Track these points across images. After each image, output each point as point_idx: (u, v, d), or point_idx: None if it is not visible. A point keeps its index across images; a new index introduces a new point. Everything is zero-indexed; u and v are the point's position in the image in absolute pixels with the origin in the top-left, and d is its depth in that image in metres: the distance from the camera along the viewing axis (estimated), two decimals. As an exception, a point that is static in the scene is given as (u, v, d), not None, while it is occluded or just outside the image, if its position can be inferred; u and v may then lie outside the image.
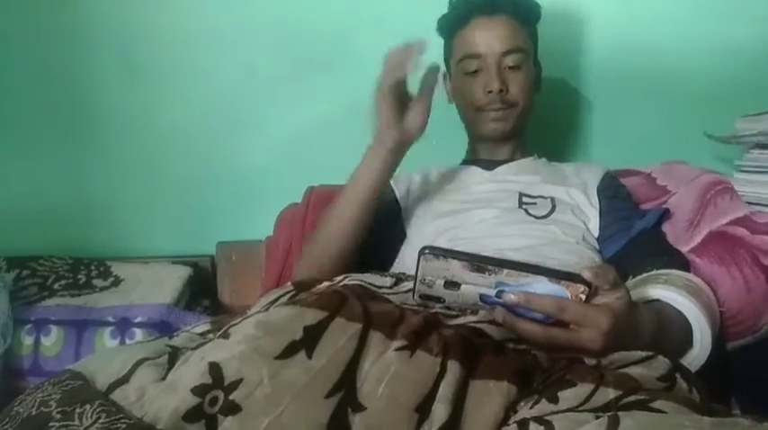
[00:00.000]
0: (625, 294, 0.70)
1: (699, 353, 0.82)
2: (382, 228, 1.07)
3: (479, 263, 0.66)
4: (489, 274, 0.66)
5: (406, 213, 1.13)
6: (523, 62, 1.11)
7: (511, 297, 0.67)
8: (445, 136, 1.26)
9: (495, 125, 1.13)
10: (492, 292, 0.68)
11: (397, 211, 1.13)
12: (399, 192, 1.16)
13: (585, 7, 1.40)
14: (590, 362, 0.67)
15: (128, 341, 1.24)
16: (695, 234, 1.01)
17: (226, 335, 0.62)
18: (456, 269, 0.67)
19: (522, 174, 1.14)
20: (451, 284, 0.69)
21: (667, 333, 0.77)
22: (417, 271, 0.69)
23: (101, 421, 0.54)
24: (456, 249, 0.68)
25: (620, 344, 0.68)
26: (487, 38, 1.09)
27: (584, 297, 0.67)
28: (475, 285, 0.68)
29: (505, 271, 0.66)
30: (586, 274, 0.67)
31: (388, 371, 0.59)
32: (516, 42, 1.10)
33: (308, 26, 1.42)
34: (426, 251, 0.67)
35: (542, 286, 0.67)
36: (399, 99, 0.93)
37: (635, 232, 1.01)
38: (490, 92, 1.09)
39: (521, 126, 1.16)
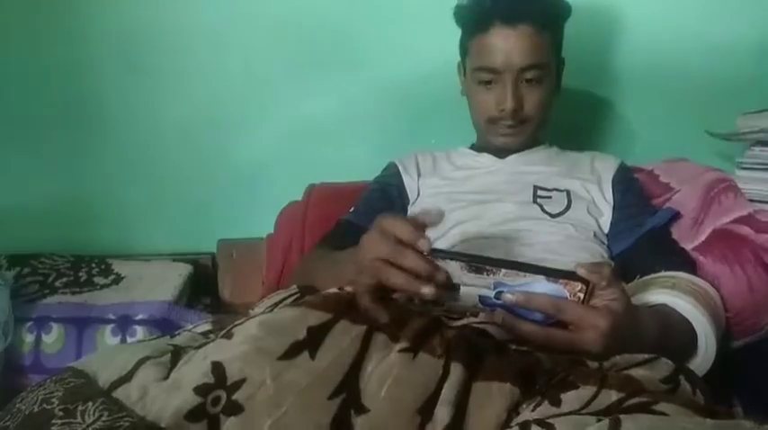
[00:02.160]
0: (623, 296, 0.69)
1: (702, 361, 0.82)
2: (381, 213, 1.08)
3: (477, 263, 0.66)
4: (487, 275, 0.66)
5: (416, 197, 1.13)
6: (543, 76, 1.05)
7: (509, 297, 0.66)
8: (445, 135, 1.26)
9: (505, 140, 1.10)
10: (491, 293, 0.68)
11: (401, 197, 1.14)
12: (408, 179, 1.15)
13: (588, 4, 1.39)
14: (592, 364, 0.67)
15: (129, 339, 1.24)
16: (699, 232, 1.01)
17: (229, 335, 0.62)
18: (454, 270, 0.67)
19: (535, 165, 1.12)
20: (450, 287, 0.68)
21: (671, 339, 0.77)
22: None
23: (103, 419, 0.54)
24: (453, 250, 0.68)
25: (621, 347, 0.67)
26: (506, 51, 1.01)
27: (582, 295, 0.67)
28: (474, 286, 0.68)
29: (503, 271, 0.66)
30: (581, 272, 0.67)
31: (391, 373, 0.59)
32: (537, 57, 1.02)
33: (308, 22, 1.41)
34: (425, 253, 0.66)
35: (540, 285, 0.67)
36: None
37: (644, 230, 1.00)
38: (503, 110, 1.05)
39: (533, 136, 1.12)
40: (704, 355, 0.82)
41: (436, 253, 0.66)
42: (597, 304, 0.68)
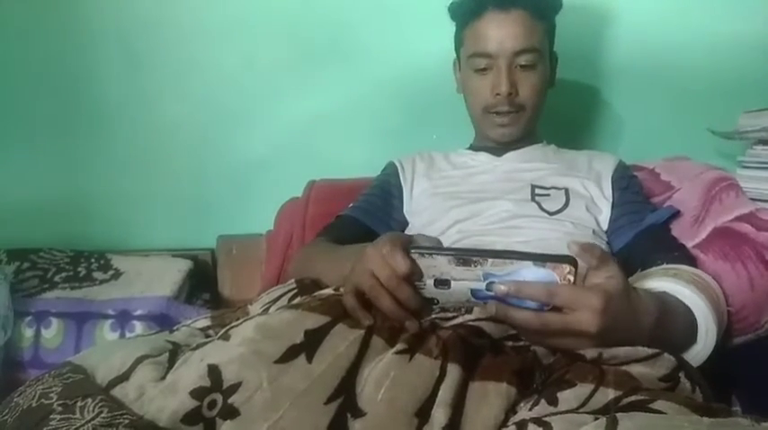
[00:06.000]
0: (617, 274, 0.67)
1: (702, 349, 0.80)
2: (381, 211, 1.11)
3: (463, 255, 0.66)
4: (475, 266, 0.66)
5: (410, 199, 1.13)
6: (537, 62, 1.05)
7: (501, 287, 0.65)
8: (446, 131, 1.26)
9: (502, 130, 1.09)
10: (482, 286, 0.67)
11: (399, 197, 1.14)
12: (404, 176, 1.15)
13: (590, 2, 1.38)
14: (591, 355, 0.65)
15: (128, 334, 1.24)
16: (700, 230, 1.00)
17: (226, 337, 0.62)
18: (443, 266, 0.67)
19: (532, 162, 1.11)
20: (442, 283, 0.68)
21: (670, 324, 0.74)
22: None
23: (102, 415, 0.54)
24: (438, 246, 0.68)
25: (618, 327, 0.65)
26: (500, 36, 1.03)
27: (572, 278, 0.66)
28: (464, 280, 0.68)
29: (490, 260, 0.65)
30: (573, 248, 0.65)
31: (388, 375, 0.59)
32: (530, 41, 1.03)
33: (309, 17, 1.40)
34: (411, 251, 0.67)
35: (529, 271, 0.65)
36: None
37: (644, 226, 0.99)
38: (498, 94, 1.05)
39: (530, 128, 1.12)
40: (704, 343, 0.80)
41: (424, 250, 0.66)
42: (590, 283, 0.67)
